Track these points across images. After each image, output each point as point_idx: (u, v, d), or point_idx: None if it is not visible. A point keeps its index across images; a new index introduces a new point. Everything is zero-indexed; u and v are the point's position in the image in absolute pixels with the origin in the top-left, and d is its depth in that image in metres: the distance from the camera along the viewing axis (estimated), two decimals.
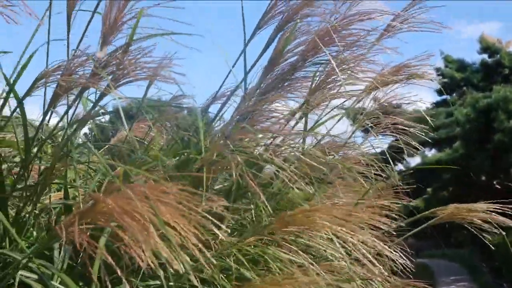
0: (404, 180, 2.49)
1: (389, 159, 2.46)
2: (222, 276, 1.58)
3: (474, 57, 35.33)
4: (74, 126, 1.54)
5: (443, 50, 27.09)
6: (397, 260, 1.91)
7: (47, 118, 1.59)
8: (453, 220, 2.15)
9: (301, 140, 2.14)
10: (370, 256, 1.47)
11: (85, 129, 2.20)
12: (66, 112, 1.56)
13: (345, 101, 2.24)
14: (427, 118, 2.38)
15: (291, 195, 1.98)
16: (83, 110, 1.59)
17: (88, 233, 1.14)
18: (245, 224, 1.97)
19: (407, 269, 2.02)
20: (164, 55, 1.38)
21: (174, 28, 1.43)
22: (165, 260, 1.01)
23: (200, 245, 1.06)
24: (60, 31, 1.67)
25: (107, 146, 2.11)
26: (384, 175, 2.42)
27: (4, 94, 1.53)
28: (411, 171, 2.50)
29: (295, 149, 1.81)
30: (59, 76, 1.33)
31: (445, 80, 25.42)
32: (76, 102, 1.52)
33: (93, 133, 2.27)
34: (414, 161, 24.89)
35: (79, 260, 1.50)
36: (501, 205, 2.11)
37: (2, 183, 1.55)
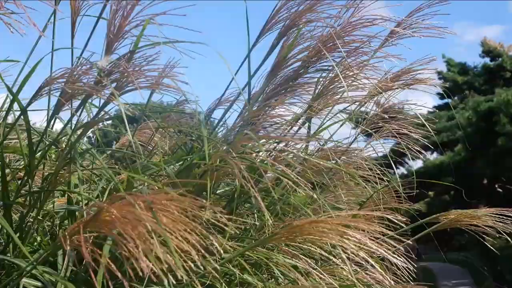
0: (406, 184, 2.49)
1: (391, 163, 2.46)
2: (225, 282, 1.58)
3: (474, 60, 35.36)
4: (78, 132, 1.54)
5: (444, 54, 27.11)
6: (399, 264, 1.91)
7: (51, 124, 1.60)
8: (455, 226, 2.15)
9: (304, 145, 2.14)
10: (373, 263, 1.47)
11: (88, 132, 2.20)
12: (70, 120, 1.57)
13: (348, 106, 2.24)
14: (428, 124, 2.38)
15: (293, 200, 1.98)
16: (87, 116, 1.60)
17: (91, 240, 1.15)
18: (248, 228, 1.97)
19: (409, 272, 2.02)
20: (168, 62, 1.38)
21: (178, 34, 1.44)
22: (167, 268, 1.01)
23: (203, 252, 1.07)
24: (65, 34, 1.68)
25: (110, 151, 2.12)
26: (386, 179, 2.42)
27: (8, 102, 1.54)
28: (413, 176, 2.49)
29: (297, 154, 1.81)
30: (63, 84, 1.33)
31: (447, 83, 25.43)
32: (80, 110, 1.53)
33: (95, 137, 2.27)
34: (416, 164, 24.90)
35: (83, 266, 1.50)
36: (503, 210, 2.11)
37: (7, 189, 1.56)
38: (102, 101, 1.51)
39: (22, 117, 1.50)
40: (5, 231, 1.57)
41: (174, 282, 1.01)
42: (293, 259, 1.66)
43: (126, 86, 1.35)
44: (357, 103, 2.29)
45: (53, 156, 1.74)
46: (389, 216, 1.82)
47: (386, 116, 2.39)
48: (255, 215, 1.96)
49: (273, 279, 1.84)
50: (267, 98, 1.82)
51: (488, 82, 25.51)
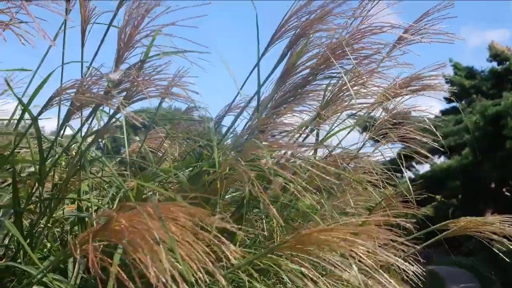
0: (414, 189, 2.49)
1: (398, 167, 2.46)
2: None
3: (480, 64, 35.29)
4: (88, 140, 1.55)
5: (450, 58, 27.07)
6: (407, 268, 1.91)
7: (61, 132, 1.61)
8: (465, 234, 2.15)
9: (312, 152, 2.15)
10: (382, 272, 1.47)
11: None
12: (80, 129, 1.58)
13: (357, 112, 2.24)
14: (435, 130, 2.38)
15: (301, 206, 1.99)
16: (97, 124, 1.61)
17: (101, 249, 1.16)
18: (256, 234, 1.97)
19: (417, 276, 2.02)
20: (178, 71, 1.39)
21: (187, 41, 1.45)
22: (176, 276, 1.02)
23: (211, 261, 1.07)
24: (75, 42, 1.69)
25: (119, 158, 2.12)
26: (393, 183, 2.43)
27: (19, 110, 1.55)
28: (421, 180, 2.50)
29: (304, 161, 1.81)
30: (73, 94, 1.34)
31: (454, 87, 25.37)
32: (91, 119, 1.54)
33: (104, 143, 2.28)
34: (423, 168, 24.86)
35: (93, 273, 1.50)
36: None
37: (18, 196, 1.57)
38: (113, 112, 1.52)
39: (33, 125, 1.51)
40: (15, 237, 1.58)
41: None
42: (301, 267, 1.66)
43: (136, 95, 1.36)
44: (366, 110, 2.29)
45: (63, 163, 1.75)
46: (399, 222, 1.82)
47: (394, 121, 2.40)
48: (264, 220, 1.96)
49: (281, 285, 1.84)
50: (276, 105, 1.82)
51: (496, 86, 25.43)
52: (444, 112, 25.77)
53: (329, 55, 1.73)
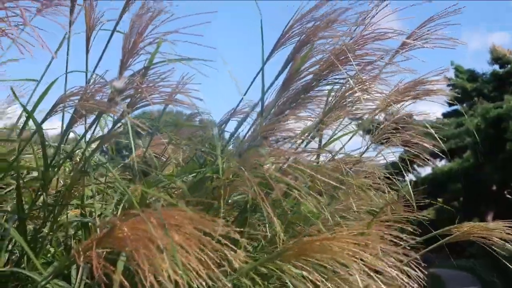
0: (415, 194, 2.49)
1: (400, 170, 2.47)
2: None
3: (481, 67, 35.29)
4: (92, 146, 1.56)
5: (451, 60, 27.07)
6: (409, 272, 1.91)
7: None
8: (468, 239, 2.15)
9: (315, 157, 2.15)
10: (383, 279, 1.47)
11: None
12: (84, 134, 1.58)
13: (359, 117, 2.25)
14: (437, 135, 2.39)
15: (303, 210, 1.99)
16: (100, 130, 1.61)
17: (104, 256, 1.16)
18: (259, 238, 1.97)
19: (419, 279, 2.02)
20: (181, 77, 1.40)
21: (191, 47, 1.45)
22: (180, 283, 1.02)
23: (214, 269, 1.08)
24: (80, 47, 1.69)
25: (122, 164, 2.13)
26: (395, 188, 2.43)
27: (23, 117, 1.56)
28: (422, 183, 2.50)
29: (307, 166, 1.82)
30: (76, 101, 1.35)
31: (456, 90, 25.35)
32: (94, 125, 1.54)
33: (107, 148, 2.28)
34: (425, 170, 24.84)
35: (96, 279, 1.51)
36: None
37: (21, 202, 1.57)
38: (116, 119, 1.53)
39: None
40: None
41: None
42: (303, 270, 1.66)
43: (140, 102, 1.36)
44: (369, 115, 2.30)
45: (67, 169, 1.75)
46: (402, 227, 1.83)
47: (396, 126, 2.40)
48: (266, 225, 1.96)
49: None
50: (279, 111, 1.82)
51: (497, 89, 25.44)
52: (445, 115, 25.77)
53: (334, 60, 1.73)
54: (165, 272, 1.02)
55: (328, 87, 1.96)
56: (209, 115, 1.81)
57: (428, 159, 2.45)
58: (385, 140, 2.45)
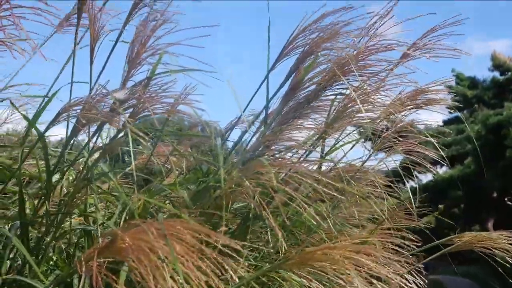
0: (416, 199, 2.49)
1: (401, 178, 2.47)
2: None
3: (481, 74, 35.34)
4: (95, 155, 1.56)
5: (452, 68, 27.05)
6: (411, 279, 1.91)
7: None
8: (470, 249, 2.15)
9: (317, 166, 2.16)
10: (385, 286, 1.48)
11: None
12: (87, 143, 1.59)
13: (361, 127, 2.25)
14: (437, 139, 2.39)
15: (305, 217, 1.99)
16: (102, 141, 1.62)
17: (106, 265, 1.16)
18: (261, 246, 1.97)
19: (420, 286, 2.02)
20: (184, 88, 1.40)
21: (196, 61, 1.45)
22: None
23: (216, 280, 1.08)
24: (84, 53, 1.70)
25: (124, 172, 2.13)
26: (396, 195, 2.43)
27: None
28: (423, 190, 2.50)
29: (308, 176, 1.82)
30: (79, 111, 1.35)
31: (457, 97, 25.32)
32: (97, 135, 1.55)
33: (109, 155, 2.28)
34: (426, 177, 24.80)
35: None
36: None
37: (24, 210, 1.57)
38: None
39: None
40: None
41: None
42: (301, 277, 1.66)
43: (142, 112, 1.37)
44: (371, 124, 2.30)
45: (70, 178, 1.76)
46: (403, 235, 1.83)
47: (398, 135, 2.40)
48: (268, 232, 1.97)
49: None
50: (282, 121, 1.83)
51: (498, 96, 25.40)
52: (446, 122, 25.73)
53: (336, 71, 1.73)
54: (170, 282, 1.02)
55: (331, 97, 1.96)
56: (216, 124, 1.81)
57: (429, 166, 2.45)
58: (387, 149, 2.45)
